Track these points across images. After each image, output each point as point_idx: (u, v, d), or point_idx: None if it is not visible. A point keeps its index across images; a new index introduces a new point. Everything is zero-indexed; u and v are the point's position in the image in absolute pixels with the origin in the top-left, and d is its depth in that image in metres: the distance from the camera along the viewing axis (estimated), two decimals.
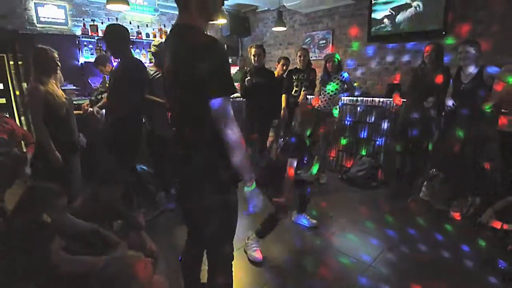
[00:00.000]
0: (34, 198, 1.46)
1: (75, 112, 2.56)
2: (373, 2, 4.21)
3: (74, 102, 3.31)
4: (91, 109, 2.77)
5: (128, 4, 2.98)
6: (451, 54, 3.27)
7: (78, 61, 4.38)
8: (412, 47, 4.12)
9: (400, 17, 4.00)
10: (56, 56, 2.26)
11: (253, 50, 3.75)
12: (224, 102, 1.06)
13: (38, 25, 4.12)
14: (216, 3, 1.17)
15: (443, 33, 3.71)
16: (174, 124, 1.27)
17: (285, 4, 4.83)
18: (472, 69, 2.72)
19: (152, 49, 3.03)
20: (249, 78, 3.65)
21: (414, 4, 3.84)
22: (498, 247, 2.25)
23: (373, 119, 3.89)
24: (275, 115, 3.89)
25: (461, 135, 2.88)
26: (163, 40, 3.03)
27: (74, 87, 3.96)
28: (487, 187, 2.89)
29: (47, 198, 1.50)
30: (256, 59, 3.68)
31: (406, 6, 3.91)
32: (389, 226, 2.75)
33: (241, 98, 3.90)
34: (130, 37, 2.63)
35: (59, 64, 2.29)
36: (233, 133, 1.08)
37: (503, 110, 2.67)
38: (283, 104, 3.92)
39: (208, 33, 1.15)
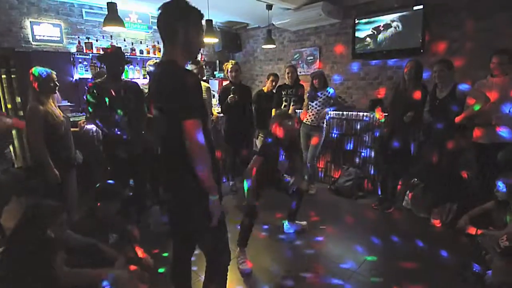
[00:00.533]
0: (38, 216, 1.56)
1: (72, 129, 2.66)
2: (356, 22, 4.45)
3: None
4: (88, 127, 2.88)
5: (124, 25, 3.13)
6: (430, 70, 3.51)
7: (73, 78, 4.48)
8: (393, 64, 4.36)
9: (381, 36, 4.25)
10: (55, 77, 2.37)
11: (229, 66, 3.83)
12: (188, 124, 1.23)
13: (33, 43, 4.22)
14: (198, 45, 1.37)
15: (421, 51, 3.95)
16: (160, 148, 1.45)
17: (274, 23, 5.06)
18: (446, 86, 2.94)
19: (148, 69, 3.17)
20: (231, 95, 3.65)
21: (394, 24, 4.10)
22: (473, 252, 2.41)
23: (358, 131, 4.08)
24: (251, 131, 4.12)
25: (437, 146, 3.07)
26: (157, 60, 3.19)
27: (69, 104, 4.05)
28: (464, 195, 3.07)
29: (50, 215, 1.60)
30: (234, 75, 3.79)
31: (387, 26, 4.16)
32: (374, 234, 2.90)
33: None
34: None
35: (58, 84, 2.41)
36: (196, 148, 1.24)
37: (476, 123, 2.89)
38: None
39: (188, 67, 1.40)
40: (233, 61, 3.88)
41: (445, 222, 3.09)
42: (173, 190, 1.39)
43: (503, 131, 2.78)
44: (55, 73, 2.39)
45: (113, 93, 2.51)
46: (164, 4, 1.29)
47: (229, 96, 3.65)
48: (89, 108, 2.53)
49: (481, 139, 2.93)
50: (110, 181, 2.15)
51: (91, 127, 3.04)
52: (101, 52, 4.49)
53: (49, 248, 1.51)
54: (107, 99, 2.48)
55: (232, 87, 3.69)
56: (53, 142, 2.33)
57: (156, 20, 1.33)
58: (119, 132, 2.51)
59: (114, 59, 2.55)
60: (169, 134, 1.32)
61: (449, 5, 3.77)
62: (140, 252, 2.21)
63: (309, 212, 3.32)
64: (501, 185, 2.42)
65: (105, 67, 2.63)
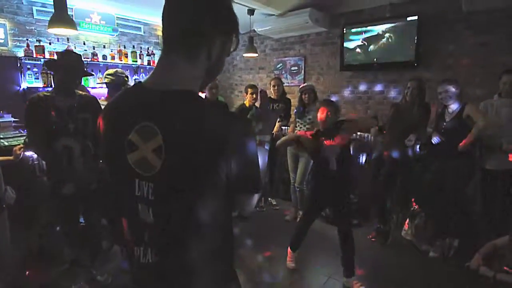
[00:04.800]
0: None
1: (2, 158, 2.07)
2: (345, 31, 4.13)
3: (8, 140, 2.78)
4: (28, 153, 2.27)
5: (75, 28, 2.55)
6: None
7: (20, 86, 3.79)
8: (384, 77, 4.08)
9: (372, 48, 3.95)
10: None
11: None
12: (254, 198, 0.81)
13: None
14: (222, 68, 0.83)
15: (415, 64, 3.68)
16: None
17: (255, 29, 4.64)
18: (454, 107, 2.63)
19: (106, 79, 2.61)
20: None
21: (386, 35, 3.81)
22: None
23: (351, 152, 3.71)
24: None
25: (442, 172, 2.78)
26: (119, 68, 2.65)
27: (12, 119, 3.37)
28: (468, 229, 2.79)
29: None
30: (214, 92, 3.50)
31: (379, 37, 3.87)
32: (372, 270, 2.51)
33: None
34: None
35: None
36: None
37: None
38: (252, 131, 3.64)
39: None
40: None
41: (447, 257, 2.78)
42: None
43: None
44: None
45: (62, 111, 1.95)
46: None
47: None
48: (29, 128, 1.95)
49: (489, 165, 2.67)
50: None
51: (31, 153, 2.43)
52: (55, 57, 3.85)
53: None
54: (53, 119, 1.92)
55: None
56: None
57: (162, 15, 0.75)
58: (65, 165, 1.94)
59: (69, 68, 1.98)
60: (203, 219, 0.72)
61: (445, 17, 3.54)
62: None
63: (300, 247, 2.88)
64: None
65: (54, 76, 2.06)
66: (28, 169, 2.28)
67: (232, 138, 0.68)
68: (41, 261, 1.51)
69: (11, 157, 2.14)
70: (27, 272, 1.47)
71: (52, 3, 3.85)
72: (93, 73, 2.70)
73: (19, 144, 2.25)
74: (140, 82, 0.77)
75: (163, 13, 0.74)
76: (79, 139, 2.01)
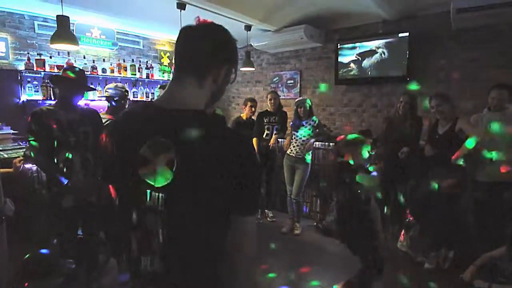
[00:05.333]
0: None
1: (2, 170, 2.09)
2: (339, 46, 4.25)
3: (7, 152, 2.81)
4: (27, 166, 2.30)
5: (77, 43, 2.62)
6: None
7: (19, 99, 3.83)
8: (378, 91, 4.18)
9: (366, 62, 4.06)
10: None
11: None
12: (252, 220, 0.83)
13: None
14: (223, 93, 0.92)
15: (407, 79, 3.79)
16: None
17: (252, 44, 4.76)
18: (447, 121, 2.71)
19: (107, 93, 2.67)
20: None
21: (379, 51, 3.93)
22: None
23: None
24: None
25: (435, 185, 2.83)
26: (119, 83, 2.71)
27: (11, 131, 3.39)
28: (463, 239, 2.83)
29: None
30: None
31: (372, 52, 3.99)
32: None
33: None
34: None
35: None
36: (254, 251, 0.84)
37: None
38: (255, 148, 3.68)
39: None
40: None
41: (442, 268, 2.80)
42: None
43: (503, 170, 2.58)
44: None
45: (64, 125, 2.00)
46: (206, 28, 0.84)
47: None
48: (32, 141, 1.97)
49: (481, 177, 2.73)
50: (43, 251, 1.59)
51: (31, 166, 2.45)
52: (59, 71, 3.91)
53: None
54: (55, 132, 1.96)
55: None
56: None
57: (177, 44, 0.85)
58: (65, 181, 1.97)
59: (73, 84, 2.05)
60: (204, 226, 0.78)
61: (436, 33, 3.67)
62: None
63: (294, 261, 2.89)
64: None
65: (57, 91, 2.11)
66: (27, 181, 2.30)
67: (233, 154, 0.74)
68: (38, 273, 1.52)
69: (10, 169, 2.16)
70: (26, 284, 1.47)
71: (54, 18, 3.99)
72: (94, 88, 2.75)
73: (18, 157, 2.28)
74: (151, 101, 0.84)
75: (177, 43, 0.84)
76: (80, 152, 2.05)
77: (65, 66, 2.56)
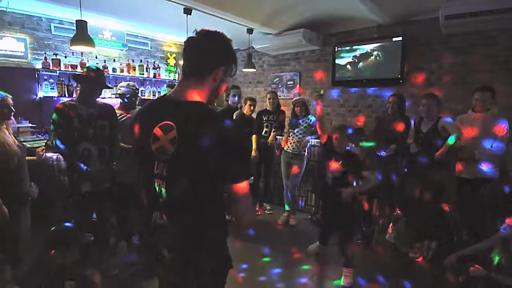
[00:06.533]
0: None
1: (27, 158, 2.35)
2: (336, 49, 4.48)
3: (29, 142, 3.08)
4: (48, 155, 2.56)
5: (94, 46, 2.89)
6: (409, 99, 3.56)
7: (36, 95, 4.11)
8: (372, 93, 4.39)
9: (361, 65, 4.28)
10: (11, 101, 2.09)
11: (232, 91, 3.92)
12: (244, 185, 1.05)
13: None
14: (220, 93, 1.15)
15: (400, 81, 4.00)
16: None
17: (254, 46, 5.00)
18: (431, 120, 2.93)
19: (120, 91, 2.92)
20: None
21: (374, 53, 4.15)
22: None
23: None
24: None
25: (420, 180, 3.03)
26: (130, 81, 2.95)
27: (30, 124, 3.68)
28: (445, 232, 3.02)
29: None
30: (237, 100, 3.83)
31: (367, 55, 4.20)
32: (359, 274, 2.74)
33: None
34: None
35: (14, 109, 2.13)
36: (250, 220, 1.15)
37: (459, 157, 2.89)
38: (254, 145, 3.92)
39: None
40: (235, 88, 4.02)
41: (426, 258, 3.01)
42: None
43: (484, 167, 2.78)
44: (11, 97, 2.10)
45: (84, 119, 2.25)
46: (204, 35, 1.04)
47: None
48: (54, 129, 2.22)
49: (464, 174, 2.93)
50: (67, 224, 1.85)
51: (52, 155, 2.71)
52: (73, 70, 4.20)
53: None
54: (76, 125, 2.22)
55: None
56: (3, 174, 2.02)
57: (184, 48, 1.07)
58: (84, 167, 2.22)
59: (94, 82, 2.31)
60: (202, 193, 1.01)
61: (427, 38, 3.87)
62: None
63: (290, 248, 3.12)
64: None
65: (79, 88, 2.37)
66: (48, 168, 2.56)
67: (224, 135, 0.98)
68: (63, 243, 1.77)
69: (34, 157, 2.43)
70: (52, 252, 1.73)
71: (69, 21, 4.26)
72: (112, 86, 3.02)
73: (40, 146, 2.53)
74: (165, 95, 1.14)
75: (184, 51, 1.08)
76: (97, 143, 2.31)
77: (87, 65, 2.80)
